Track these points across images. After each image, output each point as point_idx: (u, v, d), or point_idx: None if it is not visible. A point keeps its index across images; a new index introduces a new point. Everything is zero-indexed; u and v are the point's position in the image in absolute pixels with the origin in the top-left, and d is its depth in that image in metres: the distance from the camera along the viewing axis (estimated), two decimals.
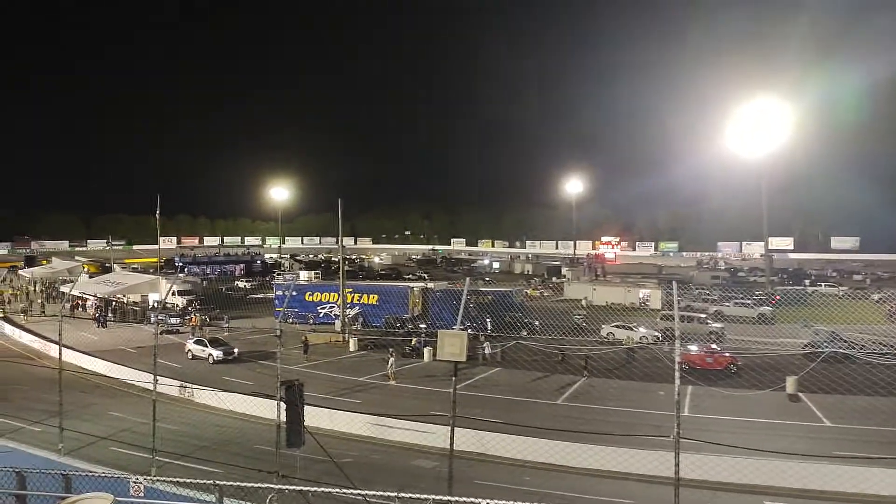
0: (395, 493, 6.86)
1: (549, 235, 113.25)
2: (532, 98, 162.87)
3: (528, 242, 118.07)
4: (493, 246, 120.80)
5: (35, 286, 54.28)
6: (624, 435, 15.48)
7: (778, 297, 41.67)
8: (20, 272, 61.20)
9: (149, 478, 8.72)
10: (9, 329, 37.24)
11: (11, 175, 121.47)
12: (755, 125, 53.61)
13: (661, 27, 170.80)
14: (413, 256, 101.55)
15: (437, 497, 5.30)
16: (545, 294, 53.22)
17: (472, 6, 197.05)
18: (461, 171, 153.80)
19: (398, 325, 35.69)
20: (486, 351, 29.69)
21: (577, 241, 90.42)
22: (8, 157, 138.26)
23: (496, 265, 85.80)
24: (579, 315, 35.27)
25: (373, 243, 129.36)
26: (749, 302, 40.70)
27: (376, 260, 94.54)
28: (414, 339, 32.23)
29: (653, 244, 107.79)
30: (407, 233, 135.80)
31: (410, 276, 68.33)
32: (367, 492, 7.30)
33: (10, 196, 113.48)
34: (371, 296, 40.50)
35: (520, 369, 27.78)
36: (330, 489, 8.15)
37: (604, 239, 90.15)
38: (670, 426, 8.18)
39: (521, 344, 28.87)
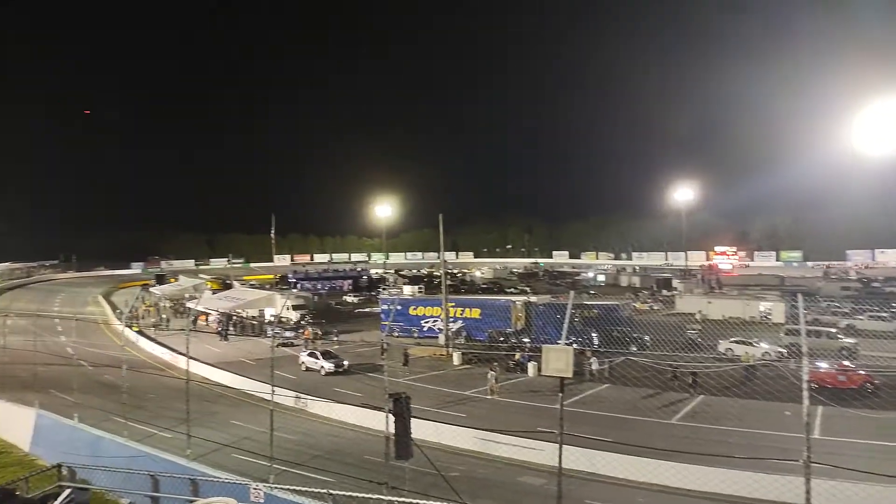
0: None
1: (657, 246, 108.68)
2: (638, 101, 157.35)
3: (634, 254, 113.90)
4: (597, 258, 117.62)
5: (165, 302, 58.90)
6: (747, 458, 14.42)
7: None
8: (152, 290, 66.70)
9: (267, 485, 9.13)
10: (143, 342, 40.46)
11: (145, 200, 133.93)
12: (886, 122, 48.90)
13: (775, 20, 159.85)
14: (514, 270, 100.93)
15: None
16: (655, 308, 51.10)
17: (573, 7, 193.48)
18: (562, 182, 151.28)
19: (501, 339, 35.51)
20: (593, 367, 28.82)
21: (689, 252, 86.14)
22: (140, 184, 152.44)
23: (601, 278, 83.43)
24: (693, 330, 33.51)
25: (474, 257, 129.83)
26: (886, 315, 36.97)
27: (477, 274, 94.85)
28: (518, 354, 31.92)
29: (774, 254, 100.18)
30: (508, 246, 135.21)
31: (512, 289, 67.93)
32: None
33: (144, 220, 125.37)
34: (473, 310, 40.63)
35: (630, 386, 26.72)
36: (439, 502, 8.14)
37: (718, 249, 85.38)
38: (798, 449, 7.49)
39: (631, 360, 27.79)
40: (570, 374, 9.41)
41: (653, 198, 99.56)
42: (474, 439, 19.26)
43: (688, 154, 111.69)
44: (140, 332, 42.99)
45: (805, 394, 7.61)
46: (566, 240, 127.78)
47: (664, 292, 63.89)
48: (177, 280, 76.74)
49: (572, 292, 15.49)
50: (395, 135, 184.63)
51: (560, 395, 9.80)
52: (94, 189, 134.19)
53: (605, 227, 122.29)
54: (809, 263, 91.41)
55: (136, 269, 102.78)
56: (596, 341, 29.99)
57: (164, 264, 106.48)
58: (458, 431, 19.50)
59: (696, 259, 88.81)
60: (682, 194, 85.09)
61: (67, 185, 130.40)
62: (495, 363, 29.00)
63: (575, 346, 9.64)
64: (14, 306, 29.95)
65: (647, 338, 30.40)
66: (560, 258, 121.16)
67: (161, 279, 77.64)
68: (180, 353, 31.70)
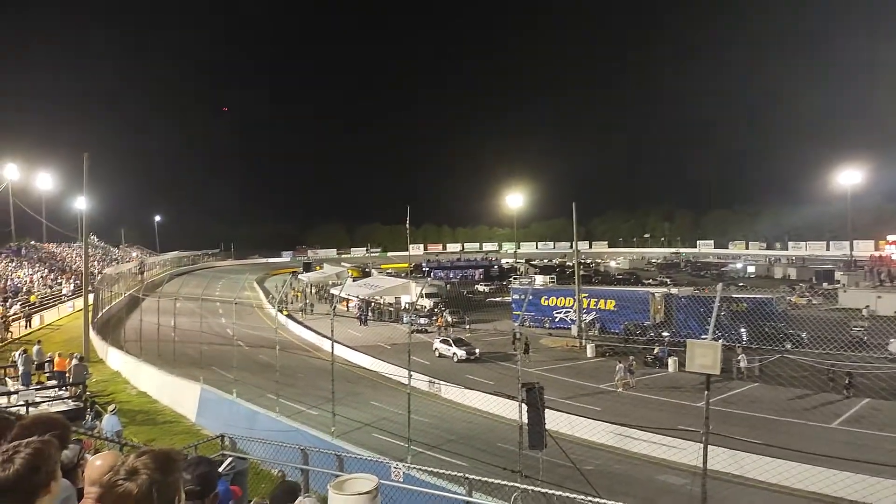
0: None
1: (817, 235, 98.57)
2: (793, 75, 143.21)
3: (790, 243, 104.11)
4: (746, 248, 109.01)
5: (311, 288, 62.97)
6: None
7: None
8: (299, 276, 71.50)
9: (405, 465, 9.42)
10: (291, 325, 43.54)
11: (294, 193, 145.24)
12: None
13: None
14: (653, 260, 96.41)
15: None
16: (814, 302, 46.53)
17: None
18: (706, 167, 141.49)
19: (638, 332, 34.12)
20: (742, 364, 26.81)
21: (855, 241, 77.28)
22: (288, 180, 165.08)
23: (751, 269, 77.19)
24: (860, 327, 30.11)
25: (609, 247, 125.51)
26: None
27: (613, 264, 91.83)
28: (656, 348, 30.51)
29: None
30: (646, 235, 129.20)
31: (651, 280, 65.00)
32: (612, 502, 6.95)
33: (293, 211, 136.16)
34: (608, 301, 39.37)
35: (784, 386, 24.57)
36: (574, 495, 7.93)
37: (890, 238, 75.79)
38: None
39: (787, 358, 25.53)
40: (717, 371, 8.79)
41: (814, 182, 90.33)
42: (610, 434, 18.69)
43: (854, 133, 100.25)
44: (289, 316, 46.13)
45: None
46: (711, 228, 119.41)
47: (825, 285, 57.92)
48: (321, 268, 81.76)
49: (720, 284, 14.41)
50: (528, 124, 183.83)
51: (706, 392, 9.22)
52: (250, 184, 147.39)
53: (756, 215, 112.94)
54: None
55: (285, 257, 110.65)
56: (745, 337, 27.86)
57: (310, 253, 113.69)
58: (592, 425, 19.00)
59: (864, 249, 79.40)
60: (848, 177, 76.10)
61: (227, 181, 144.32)
62: (631, 357, 27.90)
63: (721, 341, 8.97)
64: (182, 291, 33.45)
65: (804, 334, 27.78)
66: (705, 248, 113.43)
67: (307, 267, 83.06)
68: (325, 337, 33.74)
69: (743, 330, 28.49)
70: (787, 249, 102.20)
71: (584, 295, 39.25)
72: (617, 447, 18.31)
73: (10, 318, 36.53)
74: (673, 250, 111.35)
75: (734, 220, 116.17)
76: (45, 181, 70.43)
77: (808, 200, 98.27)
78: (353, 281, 60.16)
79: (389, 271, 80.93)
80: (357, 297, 50.93)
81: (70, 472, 3.36)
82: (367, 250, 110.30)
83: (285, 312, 47.05)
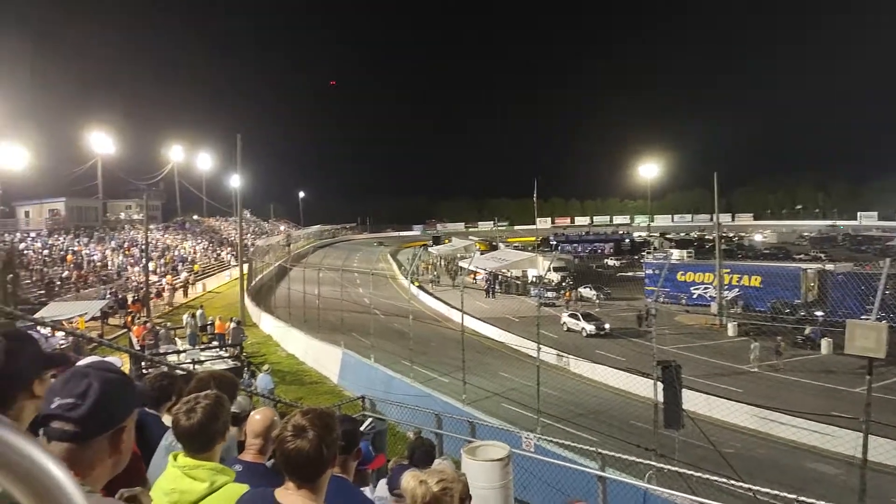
0: (794, 496, 6.07)
1: None
2: None
3: None
4: None
5: (440, 261, 64.56)
6: None
7: None
8: (430, 249, 73.52)
9: (536, 435, 9.55)
10: (422, 296, 44.98)
11: (425, 168, 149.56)
12: None
13: None
14: (805, 234, 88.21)
15: None
16: None
17: None
18: (868, 131, 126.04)
19: (787, 311, 31.57)
20: None
21: None
22: (419, 156, 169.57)
23: None
24: None
25: (754, 219, 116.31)
26: None
27: (758, 238, 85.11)
28: (808, 328, 28.10)
29: None
30: (798, 207, 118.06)
31: (802, 255, 59.63)
32: (757, 487, 6.62)
33: (423, 186, 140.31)
34: (753, 277, 36.68)
35: None
36: (712, 477, 7.65)
37: None
38: None
39: None
40: (881, 355, 8.03)
41: None
42: (752, 417, 17.66)
43: None
44: (420, 287, 47.64)
45: None
46: (875, 198, 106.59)
47: None
48: (450, 241, 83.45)
49: (887, 260, 12.94)
50: (663, 88, 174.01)
51: (868, 377, 8.46)
52: (384, 161, 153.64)
53: None
54: None
55: (416, 230, 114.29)
56: None
57: (439, 227, 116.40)
58: (732, 406, 18.01)
59: None
60: None
61: (363, 159, 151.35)
62: (779, 337, 25.94)
63: (886, 322, 8.07)
64: (324, 262, 35.83)
65: None
66: (867, 220, 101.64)
67: (437, 240, 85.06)
68: (455, 308, 34.58)
69: None
70: None
71: (725, 270, 36.87)
72: (760, 431, 17.30)
73: (178, 285, 41.11)
74: (829, 223, 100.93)
75: None
76: (204, 161, 77.74)
77: None
78: (481, 254, 60.75)
79: (516, 245, 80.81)
80: (484, 269, 51.44)
81: (241, 420, 3.79)
82: (494, 224, 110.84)
83: (417, 283, 48.56)
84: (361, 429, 4.07)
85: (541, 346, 15.46)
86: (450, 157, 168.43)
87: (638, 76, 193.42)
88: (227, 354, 20.87)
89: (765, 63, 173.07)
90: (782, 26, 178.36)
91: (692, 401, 16.00)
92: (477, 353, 24.67)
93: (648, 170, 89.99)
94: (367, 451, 4.08)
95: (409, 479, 2.78)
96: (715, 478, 7.69)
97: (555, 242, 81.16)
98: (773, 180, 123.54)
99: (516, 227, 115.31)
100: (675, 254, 63.48)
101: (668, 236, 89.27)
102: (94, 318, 27.09)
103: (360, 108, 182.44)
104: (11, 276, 27.31)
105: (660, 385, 10.34)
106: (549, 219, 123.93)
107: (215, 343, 23.32)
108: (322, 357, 23.36)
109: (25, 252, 38.75)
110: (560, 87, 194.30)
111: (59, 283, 35.61)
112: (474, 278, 51.56)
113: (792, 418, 16.63)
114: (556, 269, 48.81)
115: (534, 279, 48.22)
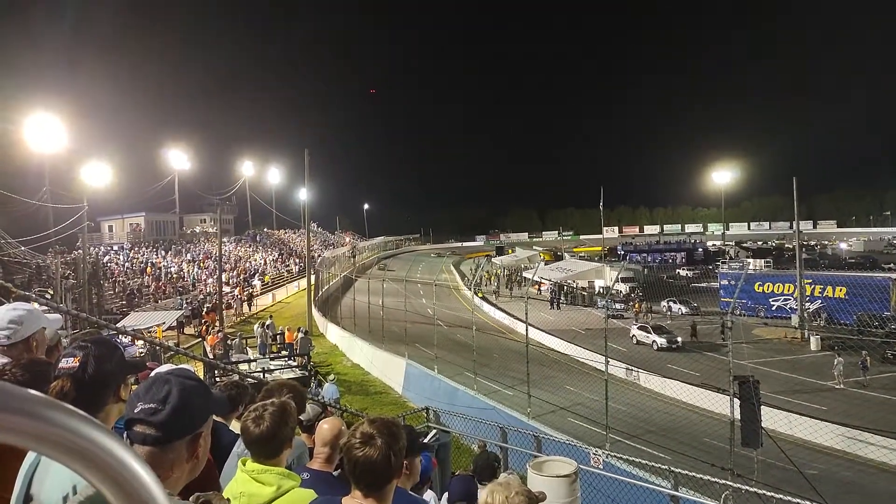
0: None
1: None
2: None
3: None
4: None
5: (503, 272, 64.22)
6: None
7: None
8: (493, 260, 73.31)
9: (604, 451, 9.30)
10: (486, 307, 44.72)
11: (488, 179, 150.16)
12: None
13: None
14: (895, 242, 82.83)
15: None
16: None
17: None
18: None
19: (876, 324, 29.62)
20: None
21: None
22: (482, 167, 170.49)
23: None
24: None
25: (837, 227, 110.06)
26: None
27: (843, 246, 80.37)
28: None
29: None
30: (886, 213, 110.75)
31: (891, 265, 55.91)
32: None
33: (486, 198, 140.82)
34: (837, 288, 34.62)
35: None
36: (794, 499, 7.21)
37: None
38: None
39: None
40: None
41: None
42: (838, 436, 16.62)
43: None
44: (483, 298, 47.38)
45: None
46: None
47: None
48: (513, 251, 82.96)
49: None
50: (737, 90, 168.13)
51: None
52: (447, 173, 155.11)
53: None
54: None
55: (479, 241, 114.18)
56: None
57: (502, 237, 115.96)
58: (816, 425, 17.02)
59: None
60: None
61: (426, 171, 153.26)
62: (864, 352, 24.37)
63: None
64: (388, 273, 36.34)
65: None
66: None
67: (500, 251, 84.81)
68: (519, 319, 34.22)
69: None
70: None
71: (807, 281, 35.00)
72: (846, 452, 16.24)
73: (255, 294, 42.65)
74: None
75: None
76: (274, 176, 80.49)
77: None
78: (546, 264, 60.04)
79: (582, 255, 79.48)
80: (549, 280, 50.78)
81: (309, 428, 3.86)
82: (558, 234, 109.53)
83: (480, 294, 48.34)
84: (426, 441, 4.06)
85: (609, 359, 15.09)
86: (514, 168, 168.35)
87: (712, 80, 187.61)
88: (295, 363, 21.43)
89: (849, 64, 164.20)
90: (868, 27, 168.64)
91: (771, 418, 15.24)
92: (542, 366, 24.28)
93: (722, 175, 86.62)
94: (427, 463, 4.07)
95: (494, 494, 2.60)
96: (798, 500, 7.26)
97: (623, 252, 79.25)
98: (859, 186, 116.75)
99: (582, 237, 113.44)
100: (752, 263, 60.75)
101: (744, 245, 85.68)
102: (170, 328, 28.40)
103: (423, 124, 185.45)
104: (96, 288, 29.02)
105: (736, 401, 9.88)
106: (616, 228, 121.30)
107: (284, 352, 23.97)
108: (386, 367, 23.61)
109: (108, 264, 41.13)
110: (632, 91, 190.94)
111: (138, 293, 37.60)
112: (538, 289, 51.00)
113: (882, 438, 15.55)
114: (623, 280, 47.64)
115: (601, 290, 47.22)
